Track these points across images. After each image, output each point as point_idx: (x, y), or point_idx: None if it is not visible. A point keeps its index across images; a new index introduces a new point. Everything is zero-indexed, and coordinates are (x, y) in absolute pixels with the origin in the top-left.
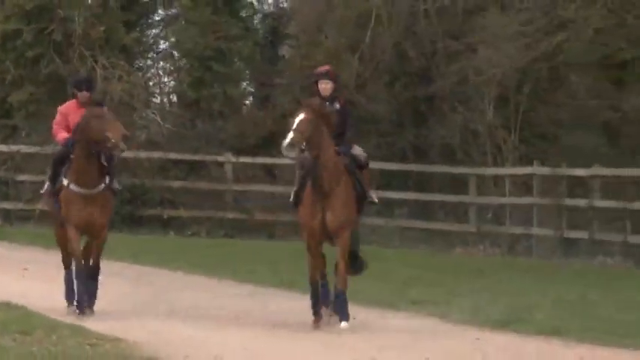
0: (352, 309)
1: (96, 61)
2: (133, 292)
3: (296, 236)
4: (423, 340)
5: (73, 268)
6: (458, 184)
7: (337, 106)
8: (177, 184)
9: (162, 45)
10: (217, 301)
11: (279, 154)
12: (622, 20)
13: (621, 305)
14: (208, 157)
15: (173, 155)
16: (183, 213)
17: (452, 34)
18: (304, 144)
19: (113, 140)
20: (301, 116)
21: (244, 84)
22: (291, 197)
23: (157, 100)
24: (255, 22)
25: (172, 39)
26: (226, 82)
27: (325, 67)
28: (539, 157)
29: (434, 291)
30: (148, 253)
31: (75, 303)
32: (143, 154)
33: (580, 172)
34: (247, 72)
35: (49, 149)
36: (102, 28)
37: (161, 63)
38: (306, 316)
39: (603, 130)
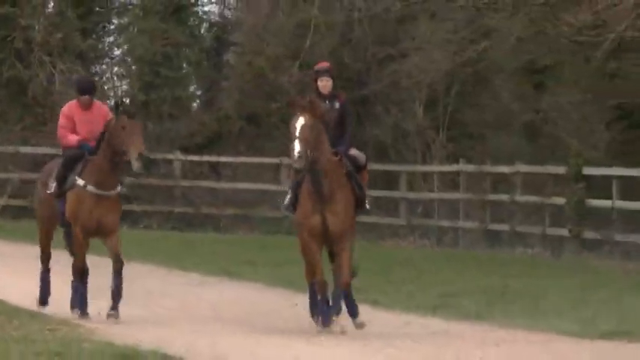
0: (293, 296)
1: (54, 67)
2: (90, 281)
3: (239, 228)
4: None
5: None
6: (390, 180)
7: (337, 104)
8: (129, 180)
9: (116, 51)
10: (167, 289)
11: (224, 152)
12: (542, 29)
13: (540, 292)
14: (159, 155)
15: None
16: (135, 207)
17: (385, 41)
18: (309, 152)
19: (131, 156)
20: (301, 122)
21: (191, 88)
22: (286, 200)
23: (111, 102)
24: (202, 30)
25: (125, 46)
26: (175, 86)
27: (325, 64)
28: (466, 156)
29: (367, 280)
30: (102, 244)
31: (75, 307)
32: None
33: (503, 169)
34: (194, 76)
35: (10, 149)
36: (60, 36)
37: (115, 68)
38: (247, 303)
39: (524, 130)
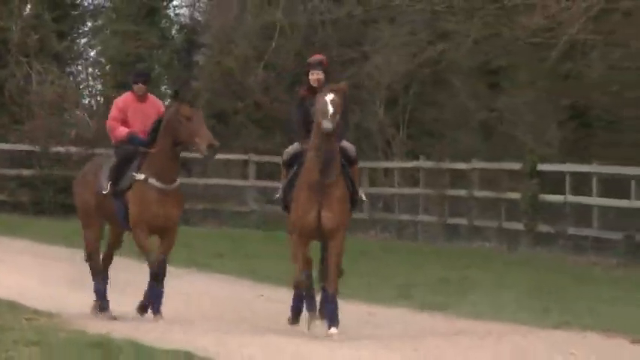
0: (258, 288)
1: (31, 67)
2: (66, 272)
3: (209, 222)
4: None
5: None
6: None
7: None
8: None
9: (91, 52)
10: (138, 279)
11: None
12: (497, 32)
13: (497, 283)
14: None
15: (100, 150)
16: None
17: (347, 43)
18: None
19: (201, 148)
20: (330, 96)
21: (163, 87)
22: (279, 193)
23: (86, 101)
24: (173, 32)
25: (99, 47)
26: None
27: (318, 56)
28: (425, 152)
29: None
30: (77, 237)
31: (151, 307)
32: (73, 149)
33: (461, 165)
34: (165, 77)
35: None
36: (36, 37)
37: (89, 69)
38: (215, 294)
39: (481, 128)
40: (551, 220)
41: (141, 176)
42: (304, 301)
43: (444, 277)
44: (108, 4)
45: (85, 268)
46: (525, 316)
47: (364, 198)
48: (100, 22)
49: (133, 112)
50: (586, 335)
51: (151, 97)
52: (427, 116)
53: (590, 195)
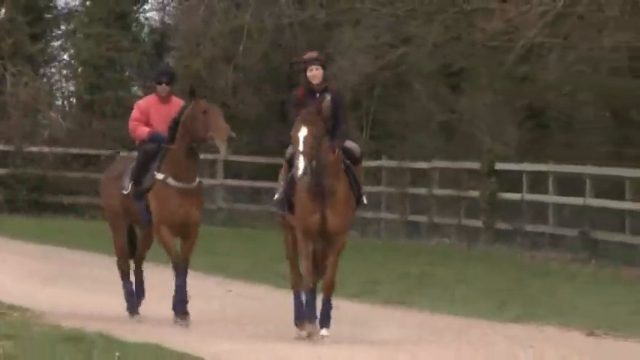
0: (227, 284)
1: (5, 69)
2: (39, 268)
3: None
4: (286, 310)
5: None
6: None
7: (328, 97)
8: (76, 174)
9: (64, 55)
10: (111, 276)
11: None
12: (457, 35)
13: (457, 279)
14: (103, 152)
15: (73, 150)
16: (81, 200)
17: (312, 46)
18: (313, 163)
19: (217, 141)
20: (305, 132)
21: (133, 89)
22: (277, 195)
23: (59, 102)
24: (143, 35)
25: (72, 50)
26: (118, 87)
27: (314, 53)
28: (387, 152)
29: None
30: (50, 234)
31: (174, 308)
32: (46, 149)
33: (422, 164)
34: (136, 78)
35: None
36: (11, 41)
37: (63, 71)
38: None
39: (441, 129)
40: (508, 217)
41: (160, 176)
42: (304, 306)
43: (406, 272)
44: (80, 8)
45: (54, 266)
46: (485, 310)
47: (365, 202)
48: (72, 25)
49: (156, 114)
50: (544, 329)
51: (175, 98)
52: (390, 117)
53: (546, 193)
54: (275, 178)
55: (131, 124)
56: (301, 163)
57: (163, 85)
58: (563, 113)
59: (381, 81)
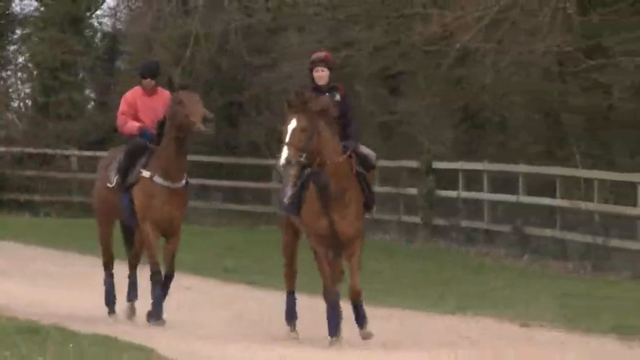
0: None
1: None
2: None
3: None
4: (235, 303)
5: (150, 270)
6: (263, 174)
7: (337, 96)
8: (32, 173)
9: (20, 59)
10: (65, 270)
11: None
12: (397, 40)
13: (396, 273)
14: (58, 151)
15: (29, 150)
16: (37, 197)
17: (258, 50)
18: (303, 156)
19: (196, 125)
20: (293, 124)
21: (87, 91)
22: (286, 198)
23: (15, 104)
24: (96, 39)
25: (27, 54)
26: (72, 90)
27: (321, 53)
28: None
29: (243, 262)
30: (6, 230)
31: (151, 312)
32: (3, 149)
33: None
34: (89, 81)
35: None
36: None
37: (19, 74)
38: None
39: (381, 129)
40: (445, 213)
41: (147, 174)
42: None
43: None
44: (36, 13)
45: (9, 261)
46: (423, 302)
47: (374, 209)
48: (28, 30)
49: (142, 107)
50: (479, 320)
51: (160, 90)
52: None
53: (481, 191)
54: (222, 177)
55: (120, 118)
56: (284, 153)
57: (148, 79)
58: (497, 115)
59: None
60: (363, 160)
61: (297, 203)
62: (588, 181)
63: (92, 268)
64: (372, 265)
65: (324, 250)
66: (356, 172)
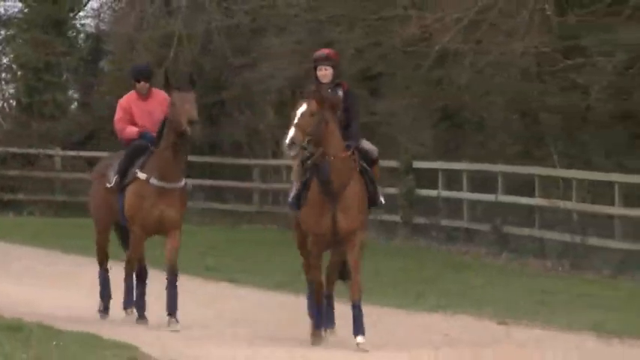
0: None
1: None
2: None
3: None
4: (217, 302)
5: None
6: (244, 173)
7: (340, 93)
8: (15, 172)
9: (4, 59)
10: (49, 269)
11: (98, 148)
12: (377, 41)
13: (376, 272)
14: (41, 151)
15: (13, 149)
16: (20, 196)
17: (240, 51)
18: (306, 141)
19: (182, 126)
20: (303, 108)
21: (70, 92)
22: (290, 197)
23: None
24: (80, 40)
25: (11, 55)
26: (56, 90)
27: (325, 50)
28: None
29: (225, 260)
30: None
31: (122, 305)
32: None
33: None
34: (73, 82)
35: None
36: None
37: (3, 74)
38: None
39: (362, 129)
40: (425, 212)
41: (143, 175)
42: (321, 312)
43: (327, 262)
44: (20, 14)
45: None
46: (403, 300)
47: (383, 202)
48: (12, 31)
49: (138, 111)
50: (459, 318)
51: (155, 91)
52: None
53: (460, 190)
54: (205, 177)
55: (117, 125)
56: (290, 133)
57: (142, 82)
58: (477, 115)
59: (305, 84)
60: (365, 155)
61: (297, 199)
62: (566, 181)
63: (76, 266)
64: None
65: (318, 253)
66: (360, 167)
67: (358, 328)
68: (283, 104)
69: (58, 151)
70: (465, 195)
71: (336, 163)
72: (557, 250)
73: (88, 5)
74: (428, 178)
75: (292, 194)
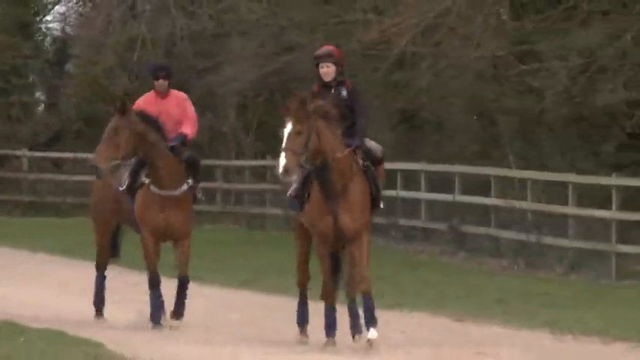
0: (129, 274)
1: None
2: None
3: (79, 214)
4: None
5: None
6: (207, 173)
7: (344, 92)
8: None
9: None
10: (16, 268)
11: (65, 148)
12: (337, 45)
13: None
14: (8, 152)
15: None
16: None
17: (203, 54)
18: (303, 160)
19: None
20: (288, 128)
21: (37, 94)
22: (290, 191)
23: None
24: (46, 43)
25: None
26: (22, 92)
27: (327, 47)
28: (272, 152)
29: (191, 260)
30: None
31: (149, 315)
32: None
33: None
34: (39, 84)
35: None
36: None
37: None
38: (87, 279)
39: None
40: (384, 212)
41: (146, 180)
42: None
43: (287, 264)
44: None
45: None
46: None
47: (381, 206)
48: None
49: (155, 111)
50: (415, 315)
51: (174, 92)
52: (275, 120)
53: (418, 190)
54: None
55: None
56: (282, 160)
57: (161, 80)
58: (435, 116)
59: (267, 87)
60: (369, 154)
61: (300, 199)
62: (522, 181)
63: (43, 265)
64: (312, 264)
65: (325, 251)
66: (363, 166)
67: (370, 321)
68: (245, 107)
69: (25, 152)
70: (423, 195)
71: (335, 164)
72: (512, 248)
73: (55, 9)
74: (386, 179)
75: (291, 193)
